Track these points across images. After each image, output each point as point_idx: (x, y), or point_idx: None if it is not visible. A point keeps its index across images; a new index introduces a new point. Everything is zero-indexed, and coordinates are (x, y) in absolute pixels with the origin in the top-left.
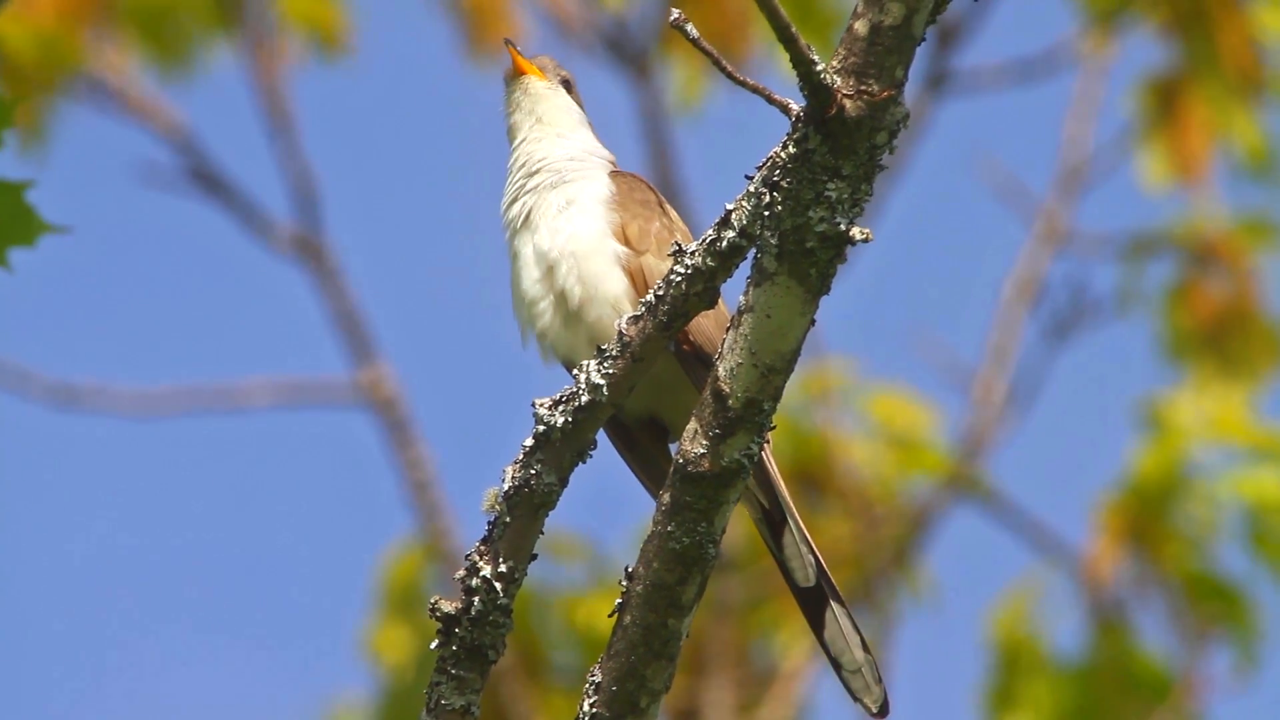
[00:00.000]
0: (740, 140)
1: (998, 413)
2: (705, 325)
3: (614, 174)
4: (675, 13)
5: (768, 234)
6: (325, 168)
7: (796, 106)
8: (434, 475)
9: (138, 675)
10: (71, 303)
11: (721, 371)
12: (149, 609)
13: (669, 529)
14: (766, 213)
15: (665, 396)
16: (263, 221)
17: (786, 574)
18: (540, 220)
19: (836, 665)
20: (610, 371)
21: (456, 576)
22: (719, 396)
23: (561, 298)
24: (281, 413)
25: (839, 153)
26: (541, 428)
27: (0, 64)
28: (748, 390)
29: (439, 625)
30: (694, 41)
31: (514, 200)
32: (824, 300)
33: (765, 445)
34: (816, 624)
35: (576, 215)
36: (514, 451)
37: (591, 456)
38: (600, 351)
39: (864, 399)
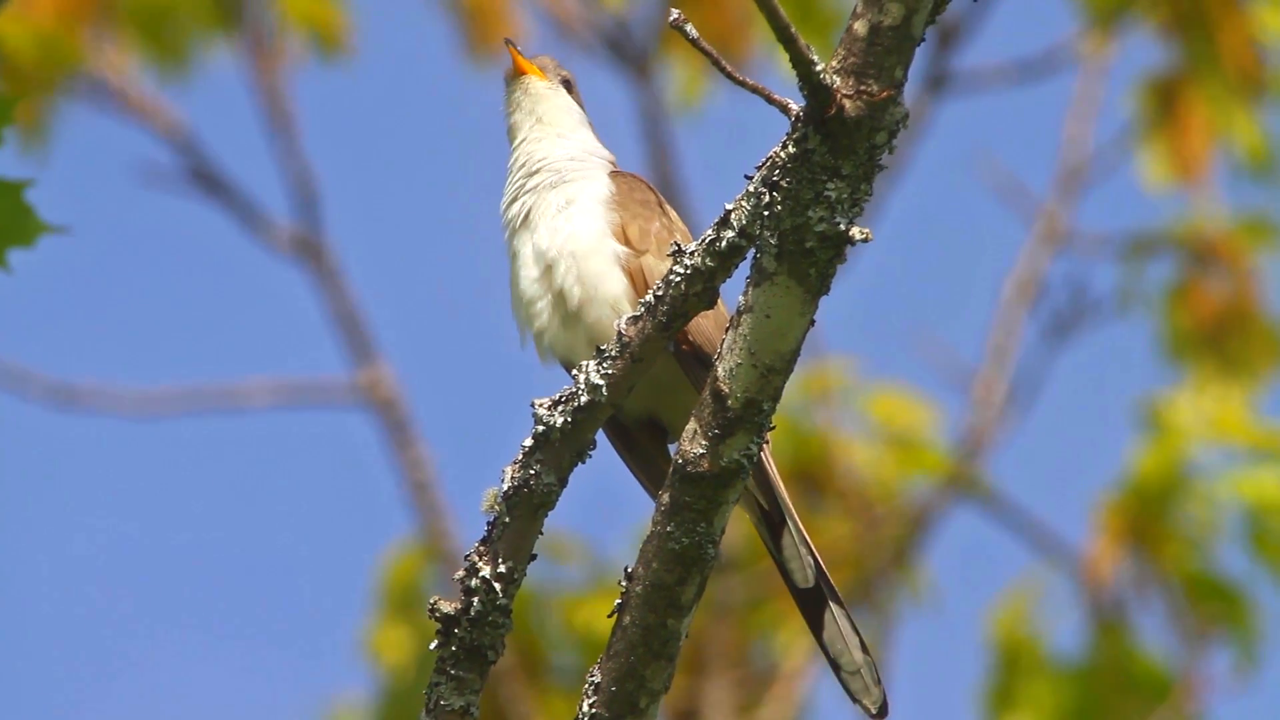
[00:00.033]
0: (740, 140)
1: (998, 413)
2: (705, 325)
3: (614, 174)
4: (675, 13)
5: (767, 234)
6: (325, 168)
7: (796, 106)
8: (434, 475)
9: (138, 675)
10: (71, 303)
11: (721, 372)
12: (149, 609)
13: (668, 529)
14: (766, 213)
15: (664, 397)
16: (263, 221)
17: (786, 575)
18: (539, 220)
19: (836, 666)
20: (609, 372)
21: (456, 577)
22: (718, 397)
23: (560, 298)
24: (281, 413)
25: (838, 153)
26: (541, 428)
27: (0, 63)
28: (747, 390)
29: (438, 626)
30: (693, 42)
31: (513, 200)
32: (824, 300)
33: (764, 445)
34: (815, 625)
35: (576, 215)
36: (513, 452)
37: (591, 457)
38: (599, 352)
39: (864, 399)
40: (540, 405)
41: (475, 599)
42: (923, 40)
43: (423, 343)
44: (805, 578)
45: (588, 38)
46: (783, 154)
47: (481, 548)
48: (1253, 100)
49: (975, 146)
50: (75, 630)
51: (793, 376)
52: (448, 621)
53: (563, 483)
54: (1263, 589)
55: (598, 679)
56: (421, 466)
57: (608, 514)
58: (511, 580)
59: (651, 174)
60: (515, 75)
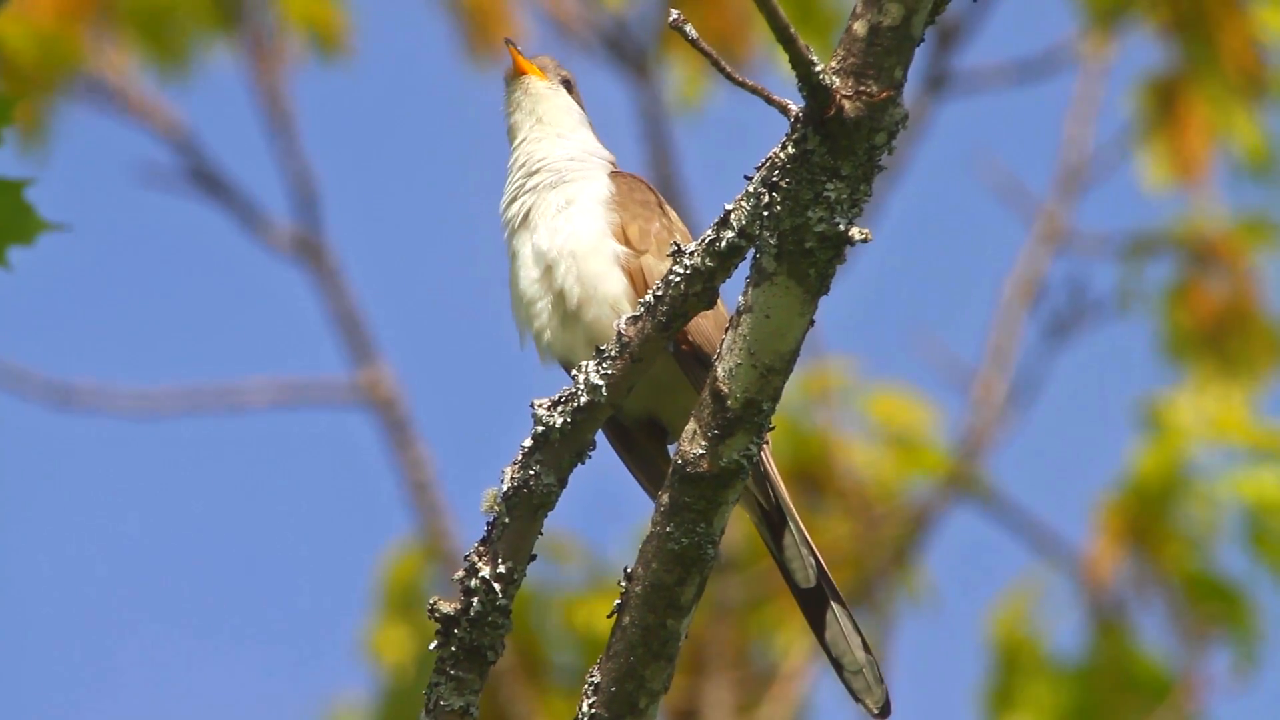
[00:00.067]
0: (740, 140)
1: (998, 413)
2: (704, 326)
3: (614, 174)
4: (674, 13)
5: (767, 234)
6: (325, 168)
7: (795, 107)
8: (434, 475)
9: (138, 675)
10: (71, 302)
11: (720, 372)
12: (149, 609)
13: (668, 530)
14: (765, 213)
15: (664, 397)
16: (262, 221)
17: (787, 575)
18: (539, 220)
19: (838, 666)
20: (609, 372)
21: (455, 577)
22: (718, 397)
23: (560, 298)
24: (281, 413)
25: (838, 153)
26: (540, 428)
27: (0, 63)
28: (746, 391)
29: (438, 626)
30: (693, 42)
31: (513, 200)
32: (823, 300)
33: (764, 446)
34: (817, 625)
35: (576, 215)
36: (513, 452)
37: (590, 457)
38: (599, 352)
39: (864, 399)
40: (540, 406)
41: (475, 599)
42: (922, 40)
43: (423, 343)
44: (807, 578)
45: (588, 38)
46: (782, 154)
47: (481, 548)
48: (1253, 100)
49: (975, 146)
50: (75, 630)
51: (793, 376)
52: (447, 622)
53: (562, 483)
54: (1263, 589)
55: (597, 679)
56: (421, 466)
57: (608, 514)
58: (511, 580)
59: (651, 174)
60: (515, 75)
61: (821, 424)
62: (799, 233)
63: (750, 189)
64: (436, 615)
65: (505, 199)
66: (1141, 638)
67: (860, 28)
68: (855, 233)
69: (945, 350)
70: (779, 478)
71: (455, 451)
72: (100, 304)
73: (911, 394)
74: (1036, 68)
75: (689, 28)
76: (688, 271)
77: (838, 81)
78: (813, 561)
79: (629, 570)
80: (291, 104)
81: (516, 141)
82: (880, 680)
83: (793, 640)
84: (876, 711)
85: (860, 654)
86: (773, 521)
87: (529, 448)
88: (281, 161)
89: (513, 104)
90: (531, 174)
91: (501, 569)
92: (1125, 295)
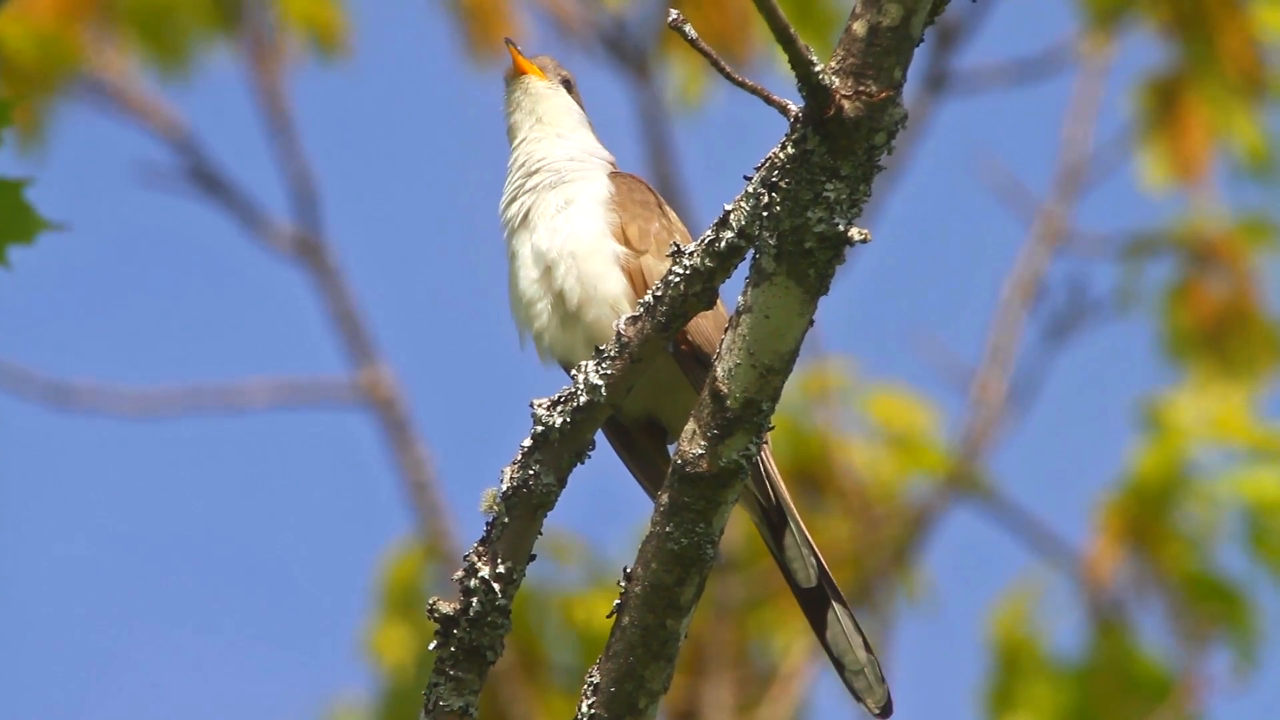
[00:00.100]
0: (740, 140)
1: (997, 413)
2: (704, 326)
3: (613, 175)
4: (674, 13)
5: (766, 234)
6: (325, 168)
7: (795, 107)
8: (434, 475)
9: (137, 675)
10: (70, 302)
11: (720, 372)
12: (148, 609)
13: (667, 530)
14: (765, 213)
15: (663, 397)
16: (262, 221)
17: (788, 575)
18: (538, 220)
19: (839, 666)
20: (608, 372)
21: (454, 577)
22: (717, 397)
23: (560, 298)
24: (281, 413)
25: (837, 153)
26: (540, 428)
27: (0, 63)
28: (746, 391)
29: (437, 626)
30: (692, 43)
31: (512, 200)
32: (823, 300)
33: (764, 446)
34: (819, 625)
35: (575, 215)
36: (513, 452)
37: (590, 457)
38: (598, 352)
39: (863, 399)
40: (539, 405)
41: (474, 599)
42: (921, 41)
43: (423, 343)
44: (808, 577)
45: (588, 38)
46: (782, 155)
47: (480, 548)
48: (1253, 100)
49: (975, 146)
50: (74, 630)
51: (792, 376)
52: (446, 622)
53: (562, 483)
54: (1263, 589)
55: (597, 679)
56: (421, 466)
57: (607, 514)
58: (510, 581)
59: (651, 174)
60: (515, 75)
61: (821, 424)
62: (798, 233)
63: (750, 189)
64: (436, 615)
65: (505, 199)
66: (1141, 638)
67: (860, 28)
68: (855, 233)
69: (945, 350)
70: (779, 477)
71: (455, 451)
72: (100, 304)
73: (911, 394)
74: (1036, 68)
75: (688, 28)
76: (687, 272)
77: (837, 82)
78: (814, 561)
79: (628, 570)
80: (291, 104)
81: (516, 141)
82: (881, 680)
83: (793, 640)
84: (878, 711)
85: (862, 654)
86: (773, 521)
87: (528, 448)
88: (281, 161)
89: (513, 104)
90: (531, 174)
91: (501, 569)
92: (1125, 295)
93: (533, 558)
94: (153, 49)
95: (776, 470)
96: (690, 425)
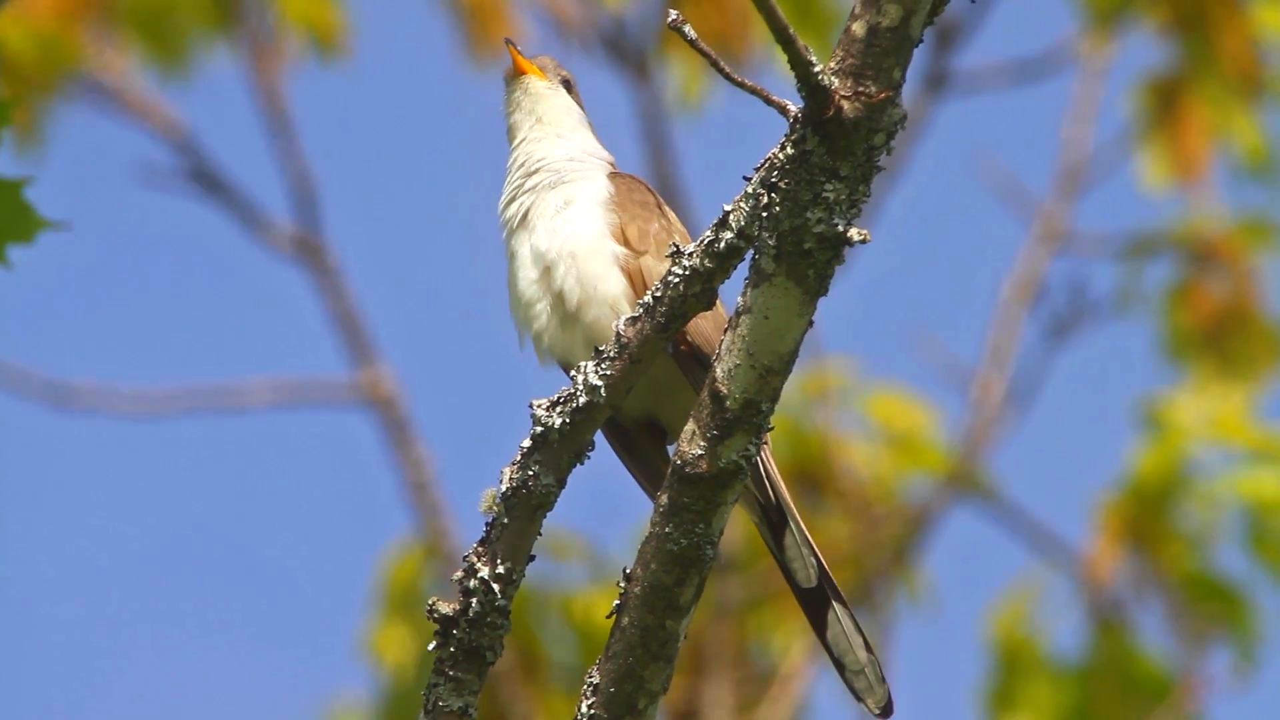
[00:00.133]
0: (740, 140)
1: (997, 413)
2: (703, 326)
3: (613, 175)
4: (673, 14)
5: (766, 235)
6: (325, 168)
7: (794, 107)
8: (433, 475)
9: (137, 675)
10: (70, 302)
11: (719, 373)
12: (148, 609)
13: (667, 530)
14: (764, 214)
15: (663, 398)
16: (262, 221)
17: (788, 575)
18: (538, 220)
19: (840, 666)
20: (608, 373)
21: (454, 578)
22: (717, 398)
23: (559, 298)
24: (281, 413)
25: (837, 154)
26: (539, 429)
27: (0, 64)
28: (745, 391)
29: (437, 626)
30: (692, 43)
31: (511, 200)
32: (823, 300)
33: (764, 446)
34: (819, 625)
35: (575, 215)
36: (512, 452)
37: (589, 458)
38: (598, 353)
39: (863, 399)
40: (539, 406)
41: (473, 600)
42: (921, 41)
43: (422, 343)
44: (808, 578)
45: (588, 38)
46: (781, 155)
47: (480, 549)
48: (1252, 100)
49: (975, 147)
50: (74, 630)
51: (792, 376)
52: (446, 622)
53: (561, 484)
54: (1262, 589)
55: (596, 680)
56: (421, 466)
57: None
58: (510, 581)
59: (651, 174)
60: (515, 75)
61: (821, 424)
62: (798, 234)
63: (749, 190)
64: (435, 616)
65: (504, 199)
66: (1141, 638)
67: (859, 28)
68: (854, 234)
69: (945, 350)
70: (779, 477)
71: (455, 451)
72: (100, 304)
73: (911, 394)
74: (1036, 68)
75: (688, 28)
76: (686, 272)
77: (836, 82)
78: (814, 561)
79: (627, 571)
80: (291, 104)
81: (516, 141)
82: (882, 680)
83: (793, 640)
84: (878, 711)
85: (862, 654)
86: (773, 521)
87: (528, 448)
88: (281, 161)
89: (512, 104)
90: (530, 174)
91: (500, 569)
92: (1125, 295)
93: (532, 558)
94: (152, 49)
95: (776, 470)
96: (690, 426)
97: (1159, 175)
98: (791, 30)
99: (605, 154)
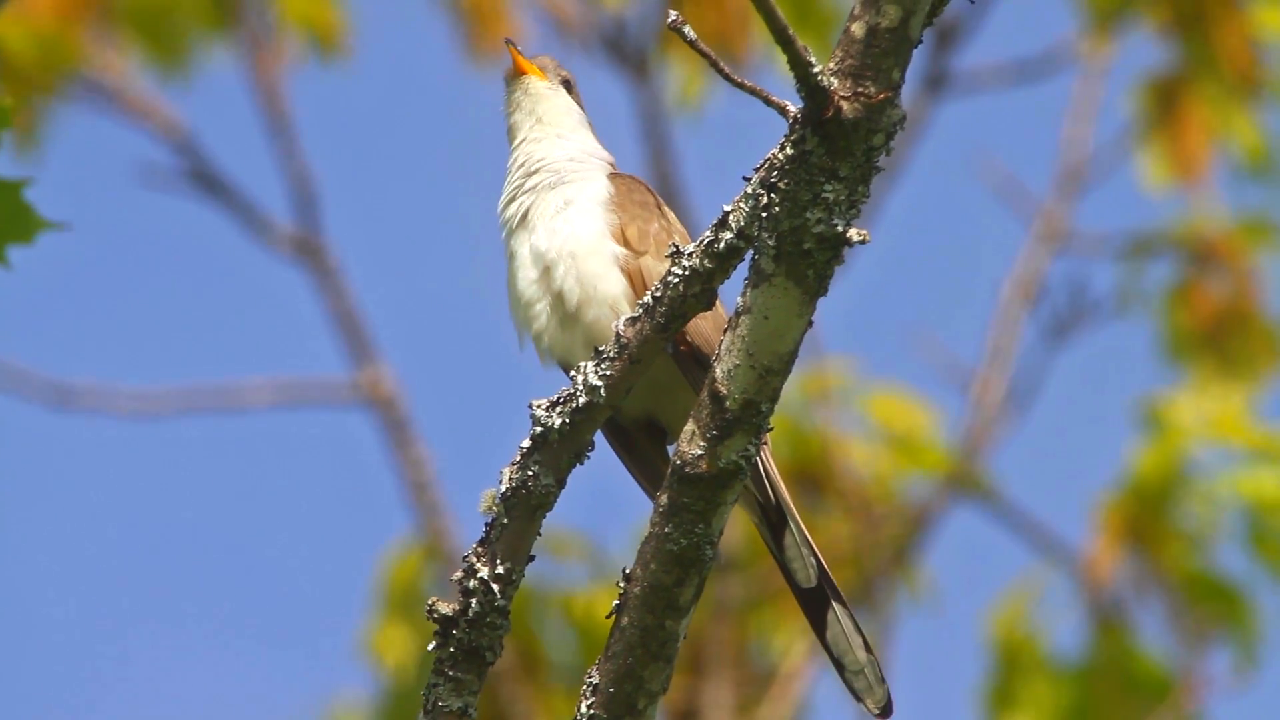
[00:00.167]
0: (739, 141)
1: (997, 413)
2: (703, 327)
3: (613, 175)
4: (673, 14)
5: (765, 235)
6: (324, 168)
7: (794, 108)
8: (433, 475)
9: (137, 675)
10: (70, 302)
11: (719, 373)
12: (148, 609)
13: (666, 530)
14: (764, 214)
15: (663, 398)
16: (262, 222)
17: (788, 575)
18: (538, 220)
19: (839, 666)
20: (608, 373)
21: (454, 578)
22: (716, 398)
23: (559, 299)
24: (281, 413)
25: (836, 154)
26: (539, 429)
27: (0, 64)
28: (745, 391)
29: (436, 627)
30: (691, 43)
31: (511, 200)
32: (823, 300)
33: (764, 446)
34: (819, 625)
35: (575, 216)
36: (512, 452)
37: (589, 458)
38: (598, 353)
39: (863, 399)
40: (538, 406)
41: (473, 600)
42: (920, 42)
43: (422, 343)
44: (808, 578)
45: (587, 38)
46: (780, 156)
47: (479, 549)
48: (1252, 100)
49: (975, 147)
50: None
51: (792, 376)
52: (446, 623)
53: (561, 484)
54: (1262, 589)
55: (596, 680)
56: (421, 466)
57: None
58: (509, 581)
59: (650, 174)
60: (515, 75)
61: (821, 424)
62: (797, 234)
63: (749, 190)
64: (435, 616)
65: (504, 199)
66: (1141, 638)
67: (858, 29)
68: (853, 234)
69: (945, 350)
70: (779, 477)
71: (455, 451)
72: (100, 304)
73: (911, 394)
74: (1036, 68)
75: (687, 29)
76: (686, 273)
77: (836, 83)
78: (814, 561)
79: (627, 571)
80: (290, 104)
81: (516, 141)
82: (881, 680)
83: (792, 640)
84: (878, 712)
85: (862, 654)
86: (773, 521)
87: (527, 448)
88: (281, 162)
89: (513, 104)
90: (530, 174)
91: (500, 570)
92: (1125, 295)
93: (532, 558)
94: (152, 49)
95: (776, 470)
96: (689, 426)
97: (1159, 175)
98: (791, 31)
99: (605, 154)
